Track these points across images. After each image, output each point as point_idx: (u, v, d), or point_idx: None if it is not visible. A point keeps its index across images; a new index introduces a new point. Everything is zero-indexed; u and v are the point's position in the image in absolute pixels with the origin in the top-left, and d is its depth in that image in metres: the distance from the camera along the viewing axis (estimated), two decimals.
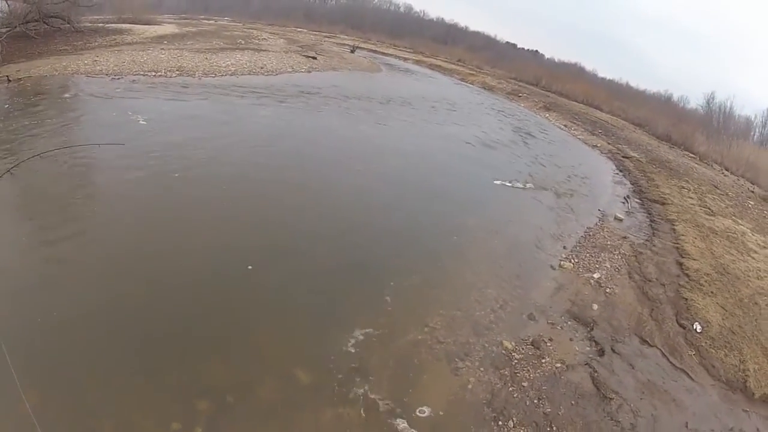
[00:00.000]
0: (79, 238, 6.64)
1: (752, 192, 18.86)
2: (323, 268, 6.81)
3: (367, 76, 24.58)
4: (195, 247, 6.78)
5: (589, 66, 52.05)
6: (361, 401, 4.88)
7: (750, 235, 12.84)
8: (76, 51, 19.93)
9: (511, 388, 5.52)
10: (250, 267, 6.56)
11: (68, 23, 24.40)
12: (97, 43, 22.05)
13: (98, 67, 16.41)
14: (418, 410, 4.93)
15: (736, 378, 7.15)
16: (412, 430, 4.73)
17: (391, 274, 6.88)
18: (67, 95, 13.46)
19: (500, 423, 5.06)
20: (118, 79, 15.39)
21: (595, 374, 6.27)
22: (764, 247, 12.27)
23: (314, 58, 24.18)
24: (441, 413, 4.96)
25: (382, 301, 6.30)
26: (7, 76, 16.90)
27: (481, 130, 17.23)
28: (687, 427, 6.01)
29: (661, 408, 6.08)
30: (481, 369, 5.68)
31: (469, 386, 5.39)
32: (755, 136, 34.20)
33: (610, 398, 5.94)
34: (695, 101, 42.00)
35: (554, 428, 5.22)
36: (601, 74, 47.59)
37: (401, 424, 4.73)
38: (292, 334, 5.57)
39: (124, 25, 27.32)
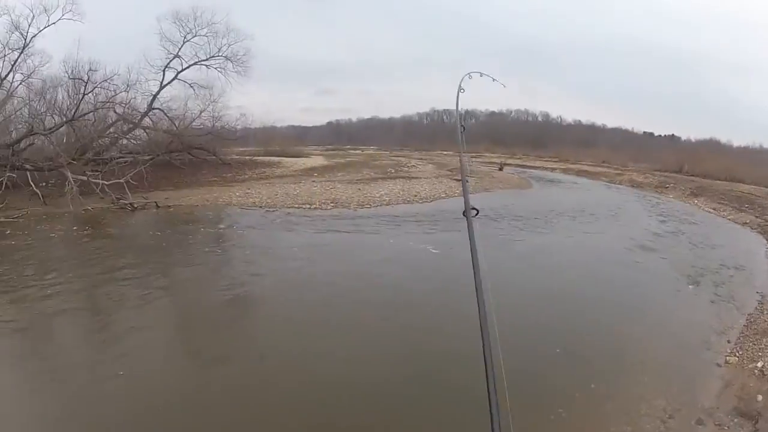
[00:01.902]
0: None
1: None
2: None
3: (520, 194, 24.69)
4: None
5: (723, 137, 48.48)
6: None
7: None
8: (225, 182, 20.97)
9: None
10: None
11: (214, 155, 25.67)
12: (247, 176, 23.53)
13: (251, 200, 16.73)
14: None
15: None
16: None
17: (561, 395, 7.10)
18: (222, 226, 14.30)
19: None
20: (273, 211, 15.70)
21: None
22: None
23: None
24: None
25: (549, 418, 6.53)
26: (155, 202, 17.60)
27: (635, 233, 17.00)
28: None
29: None
30: None
31: None
32: None
33: None
34: None
35: None
36: (736, 143, 45.18)
37: None
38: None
39: (272, 158, 28.28)
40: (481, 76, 4.25)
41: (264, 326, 9.21)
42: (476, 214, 2.29)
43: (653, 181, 31.08)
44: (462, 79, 3.97)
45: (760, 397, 7.29)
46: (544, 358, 7.98)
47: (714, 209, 22.21)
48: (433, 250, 13.59)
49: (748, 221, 19.26)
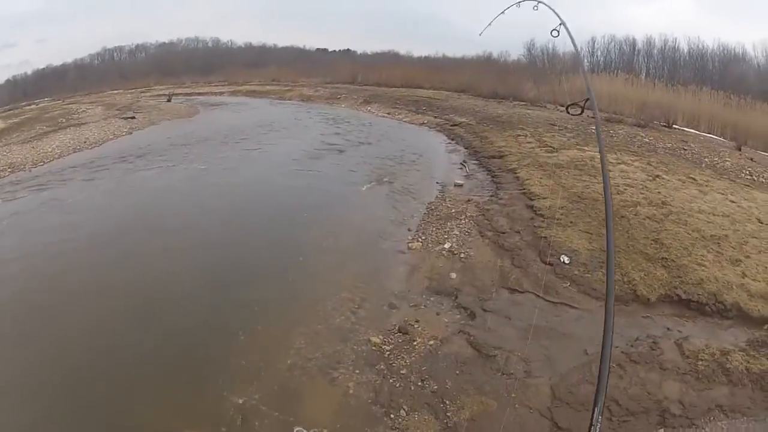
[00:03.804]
0: None
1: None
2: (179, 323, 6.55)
3: (187, 122, 24.00)
4: None
5: (402, 49, 50.81)
6: None
7: (598, 155, 13.11)
8: None
9: (392, 380, 5.48)
10: None
11: None
12: None
13: None
14: None
15: (624, 291, 7.14)
16: None
17: (242, 310, 6.70)
18: None
19: (392, 416, 5.01)
20: None
21: (472, 338, 6.12)
22: (618, 163, 12.91)
23: (133, 117, 23.75)
24: (327, 429, 4.82)
25: (239, 340, 6.11)
26: None
27: (304, 143, 16.71)
28: (587, 353, 5.85)
29: (553, 346, 5.94)
30: (357, 372, 5.56)
31: (350, 391, 5.29)
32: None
33: (494, 355, 5.79)
34: (516, 52, 41.78)
35: (447, 402, 5.18)
36: (417, 54, 47.32)
37: None
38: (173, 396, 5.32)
39: None
40: None
41: None
42: None
43: (324, 93, 31.99)
44: None
45: (453, 275, 7.52)
46: (233, 272, 7.80)
47: (388, 114, 24.05)
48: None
49: (425, 122, 21.03)
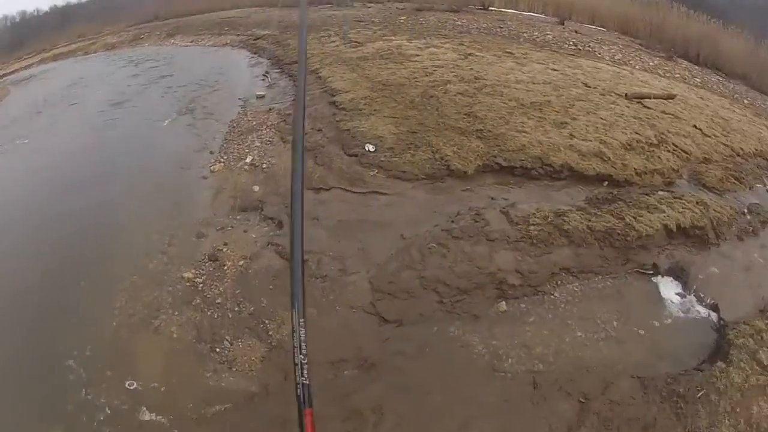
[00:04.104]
0: None
1: (403, 9, 20.29)
2: None
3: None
4: None
5: None
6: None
7: (407, 44, 13.37)
8: None
9: (209, 312, 5.17)
10: None
11: None
12: None
13: None
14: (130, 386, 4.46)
15: (437, 168, 6.90)
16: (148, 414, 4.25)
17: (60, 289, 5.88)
18: None
19: (218, 350, 4.77)
20: None
21: (280, 248, 5.79)
22: (426, 47, 12.78)
23: None
24: (157, 384, 4.51)
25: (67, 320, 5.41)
26: None
27: (109, 92, 14.41)
28: (404, 237, 5.69)
29: (367, 238, 5.70)
30: (176, 314, 5.20)
31: (174, 336, 4.99)
32: None
33: (305, 261, 5.12)
34: None
35: (266, 321, 4.95)
36: None
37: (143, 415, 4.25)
38: None
39: None
40: None
41: None
42: None
43: (128, 37, 29.30)
44: None
45: (257, 188, 7.08)
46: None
47: (192, 41, 22.39)
48: None
49: (228, 41, 20.09)
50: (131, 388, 4.45)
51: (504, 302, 5.00)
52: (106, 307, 5.39)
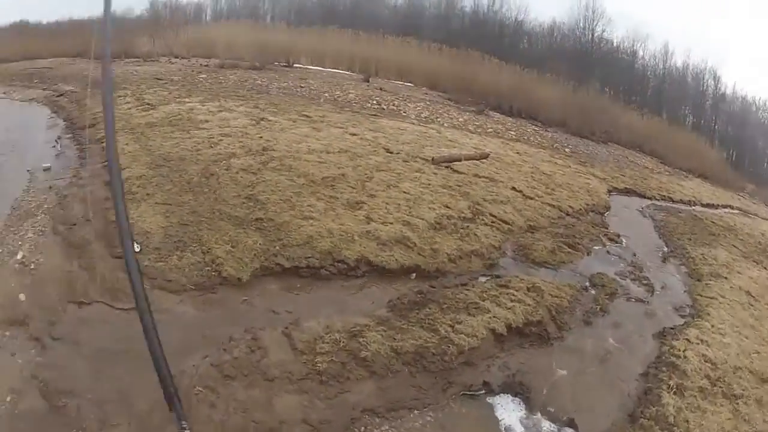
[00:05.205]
0: None
1: (206, 66, 19.57)
2: None
3: None
4: None
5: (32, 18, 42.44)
6: None
7: (200, 107, 12.95)
8: None
9: None
10: None
11: None
12: None
13: None
14: None
15: (207, 275, 5.72)
16: None
17: None
18: None
19: None
20: None
21: (42, 384, 4.43)
22: (218, 111, 12.38)
23: None
24: None
25: None
26: None
27: None
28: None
29: (127, 375, 4.50)
30: None
31: None
32: (208, 16, 36.78)
33: (64, 405, 4.24)
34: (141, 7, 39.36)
35: None
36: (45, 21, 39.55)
37: None
38: None
39: None
40: None
41: None
42: None
43: None
44: None
45: (23, 296, 5.59)
46: None
47: (5, 93, 19.13)
48: None
49: (35, 96, 17.65)
50: None
51: None
52: None
